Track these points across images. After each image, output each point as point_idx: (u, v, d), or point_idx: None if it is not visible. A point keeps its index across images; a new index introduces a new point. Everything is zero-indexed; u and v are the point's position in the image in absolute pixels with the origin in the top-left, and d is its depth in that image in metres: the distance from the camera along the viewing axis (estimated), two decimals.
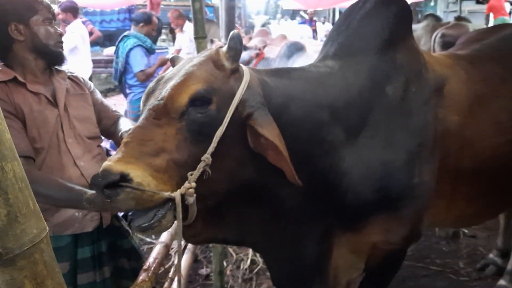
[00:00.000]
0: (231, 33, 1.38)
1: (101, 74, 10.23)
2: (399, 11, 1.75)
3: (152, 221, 1.23)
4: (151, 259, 1.72)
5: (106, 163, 1.20)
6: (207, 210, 1.41)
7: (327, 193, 1.60)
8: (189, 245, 2.50)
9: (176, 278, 1.98)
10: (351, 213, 1.64)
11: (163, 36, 12.55)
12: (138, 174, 1.18)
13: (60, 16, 5.53)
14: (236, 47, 1.38)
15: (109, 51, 8.95)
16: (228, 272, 2.95)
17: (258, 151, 1.37)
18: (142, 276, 1.61)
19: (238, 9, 12.35)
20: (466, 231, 3.55)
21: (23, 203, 0.77)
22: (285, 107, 1.45)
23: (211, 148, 1.28)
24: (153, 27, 4.78)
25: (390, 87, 1.65)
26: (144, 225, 1.23)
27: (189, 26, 5.85)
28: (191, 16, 2.55)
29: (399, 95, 1.66)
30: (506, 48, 2.13)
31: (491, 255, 3.04)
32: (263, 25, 9.92)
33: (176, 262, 2.30)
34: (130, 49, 4.52)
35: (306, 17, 13.30)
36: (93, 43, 9.92)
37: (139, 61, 4.51)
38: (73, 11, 5.67)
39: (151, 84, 1.43)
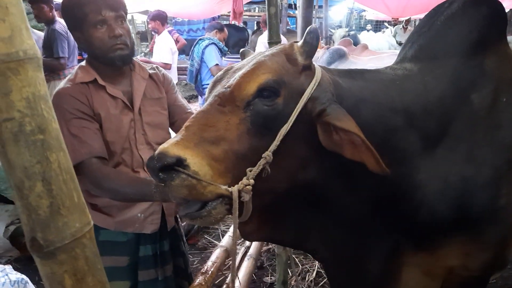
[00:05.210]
0: (309, 27, 1.30)
1: (185, 81, 10.61)
2: (491, 13, 1.56)
3: (202, 211, 1.16)
4: (210, 262, 1.68)
5: (163, 145, 1.14)
6: (264, 208, 1.34)
7: (397, 206, 1.46)
8: (251, 251, 2.44)
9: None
10: (424, 231, 1.49)
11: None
12: (196, 162, 1.11)
13: (150, 25, 6.03)
14: (312, 42, 1.30)
15: None
16: (292, 283, 2.85)
17: (332, 148, 1.26)
18: (199, 279, 1.58)
19: (320, 19, 12.23)
20: None
21: (67, 195, 0.74)
22: (356, 110, 1.33)
23: (273, 145, 1.20)
24: (224, 36, 5.20)
25: (476, 95, 1.48)
26: (192, 213, 1.17)
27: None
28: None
29: (487, 105, 1.48)
30: None
31: None
32: (343, 37, 9.91)
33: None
34: (206, 47, 4.86)
35: (391, 28, 12.82)
36: (179, 52, 10.41)
37: (213, 56, 4.84)
38: (161, 19, 5.96)
39: (219, 74, 1.38)
